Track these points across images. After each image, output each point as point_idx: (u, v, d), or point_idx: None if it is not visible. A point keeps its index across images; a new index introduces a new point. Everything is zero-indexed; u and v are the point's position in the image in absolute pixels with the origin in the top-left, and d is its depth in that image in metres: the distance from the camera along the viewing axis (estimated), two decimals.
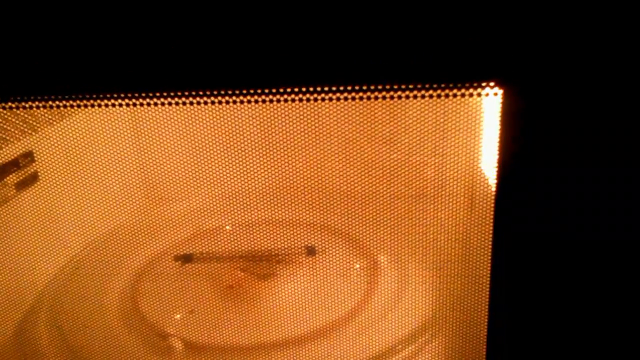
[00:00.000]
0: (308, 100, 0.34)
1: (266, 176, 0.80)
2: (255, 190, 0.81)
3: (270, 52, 0.32)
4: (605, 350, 0.39)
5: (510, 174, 0.33)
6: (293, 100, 0.34)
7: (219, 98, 0.36)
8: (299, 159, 0.77)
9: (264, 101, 0.35)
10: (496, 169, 0.33)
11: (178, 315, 0.57)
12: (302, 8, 0.31)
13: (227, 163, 0.82)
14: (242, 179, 0.82)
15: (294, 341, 0.54)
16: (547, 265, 0.37)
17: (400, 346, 0.52)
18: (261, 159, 0.79)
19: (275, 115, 0.57)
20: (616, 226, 0.34)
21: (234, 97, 0.35)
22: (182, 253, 0.68)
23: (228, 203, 0.81)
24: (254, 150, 0.79)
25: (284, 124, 0.68)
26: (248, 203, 0.80)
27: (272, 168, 0.79)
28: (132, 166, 0.85)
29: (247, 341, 0.54)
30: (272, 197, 0.79)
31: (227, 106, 0.37)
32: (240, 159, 0.80)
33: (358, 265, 0.63)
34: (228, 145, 0.79)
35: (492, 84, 0.30)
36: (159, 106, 0.38)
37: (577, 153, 0.32)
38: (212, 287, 0.62)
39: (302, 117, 0.50)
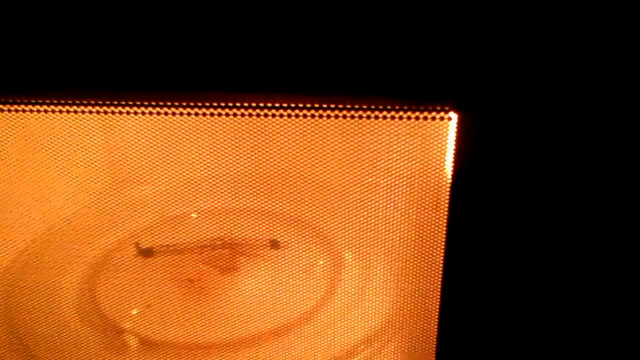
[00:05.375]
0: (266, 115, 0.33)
1: (236, 163, 0.79)
2: (224, 177, 0.80)
3: (226, 64, 0.32)
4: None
5: (463, 188, 0.34)
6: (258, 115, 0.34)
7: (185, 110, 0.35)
8: (269, 147, 0.76)
9: (218, 114, 0.33)
10: (449, 184, 0.33)
11: (135, 310, 0.56)
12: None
13: (196, 147, 0.80)
14: (212, 164, 0.80)
15: (251, 339, 0.53)
16: (493, 270, 0.38)
17: (358, 348, 0.52)
18: (231, 144, 0.77)
19: None
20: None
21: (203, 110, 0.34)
22: (145, 241, 0.66)
23: (195, 189, 0.79)
24: (224, 135, 0.77)
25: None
26: (216, 190, 0.78)
27: (243, 155, 0.77)
28: (98, 145, 0.83)
29: (204, 339, 0.53)
30: (240, 185, 0.78)
31: None
32: (211, 143, 0.78)
33: (322, 262, 0.62)
34: (198, 128, 0.76)
35: (447, 108, 0.29)
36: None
37: (519, 169, 0.33)
38: (172, 280, 0.61)
39: None
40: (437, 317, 0.41)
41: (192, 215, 0.75)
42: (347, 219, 0.66)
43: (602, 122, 0.31)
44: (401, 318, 0.52)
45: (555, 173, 0.32)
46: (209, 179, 0.78)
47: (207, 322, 0.55)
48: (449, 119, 0.30)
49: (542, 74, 0.29)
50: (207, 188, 0.78)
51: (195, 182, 0.79)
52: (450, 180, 0.33)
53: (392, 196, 0.54)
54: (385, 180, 0.53)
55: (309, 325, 0.55)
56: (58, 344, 0.53)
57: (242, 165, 0.77)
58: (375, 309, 0.54)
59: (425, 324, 0.45)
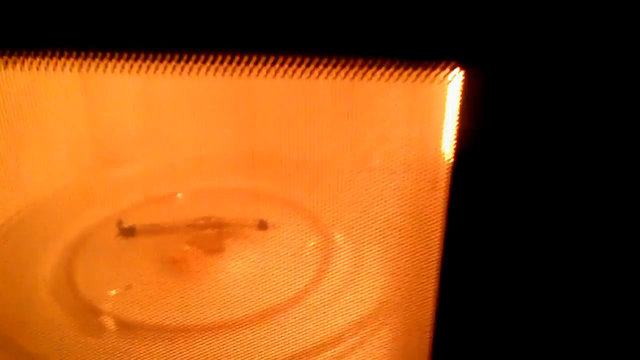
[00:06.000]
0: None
1: (224, 142, 0.76)
2: (212, 156, 0.77)
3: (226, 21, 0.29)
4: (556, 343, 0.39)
5: (467, 157, 0.31)
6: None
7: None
8: (259, 126, 0.73)
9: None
10: (453, 150, 0.31)
11: (114, 291, 0.53)
12: None
13: (185, 126, 0.77)
14: (199, 144, 0.78)
15: (237, 323, 0.51)
16: (496, 250, 0.35)
17: (348, 333, 0.49)
18: (221, 124, 0.75)
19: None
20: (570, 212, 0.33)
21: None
22: (128, 221, 0.64)
23: (182, 168, 0.77)
24: (214, 114, 0.74)
25: (246, 89, 0.63)
26: (203, 170, 0.76)
27: (231, 134, 0.75)
28: (81, 122, 0.80)
29: (187, 321, 0.51)
30: (229, 165, 0.75)
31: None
32: (199, 123, 0.76)
33: (312, 243, 0.60)
34: (187, 107, 0.74)
35: (451, 65, 0.26)
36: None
37: (534, 135, 0.29)
38: (154, 260, 0.58)
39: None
40: (432, 300, 0.39)
41: (178, 195, 0.72)
42: (337, 197, 0.64)
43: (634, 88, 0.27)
44: (395, 301, 0.50)
45: (579, 141, 0.29)
46: (196, 158, 0.76)
47: (191, 305, 0.53)
48: (454, 77, 0.27)
49: (565, 23, 0.26)
50: (193, 167, 0.76)
51: (182, 161, 0.77)
52: (453, 150, 0.30)
53: (387, 170, 0.51)
54: (379, 150, 0.50)
55: (298, 309, 0.53)
56: (33, 326, 0.50)
57: (229, 143, 0.74)
58: (368, 291, 0.52)
59: (420, 307, 0.43)
